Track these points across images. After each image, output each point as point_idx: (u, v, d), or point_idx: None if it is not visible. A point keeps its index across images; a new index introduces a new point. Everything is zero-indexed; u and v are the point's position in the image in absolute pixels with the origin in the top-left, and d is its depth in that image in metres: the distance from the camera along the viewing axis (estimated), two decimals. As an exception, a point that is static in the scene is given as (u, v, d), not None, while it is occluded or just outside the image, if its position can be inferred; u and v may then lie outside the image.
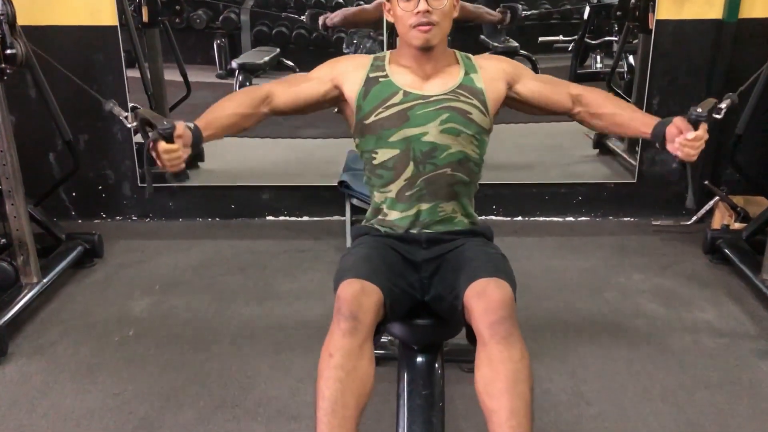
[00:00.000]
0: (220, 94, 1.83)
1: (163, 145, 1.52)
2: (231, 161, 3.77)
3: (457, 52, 1.82)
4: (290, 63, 3.62)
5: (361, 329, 1.51)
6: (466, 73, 1.77)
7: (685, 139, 1.62)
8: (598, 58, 3.73)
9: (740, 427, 2.02)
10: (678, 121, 1.65)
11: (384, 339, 2.10)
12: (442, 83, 1.76)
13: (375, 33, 3.48)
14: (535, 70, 3.50)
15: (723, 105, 1.75)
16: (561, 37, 3.68)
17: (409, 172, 1.75)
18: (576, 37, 3.64)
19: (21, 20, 2.50)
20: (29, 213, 2.74)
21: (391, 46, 3.30)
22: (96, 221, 3.53)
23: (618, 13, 3.58)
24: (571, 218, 3.57)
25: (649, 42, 3.27)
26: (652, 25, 3.24)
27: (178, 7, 3.50)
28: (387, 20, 1.81)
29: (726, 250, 2.95)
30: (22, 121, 3.22)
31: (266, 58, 3.63)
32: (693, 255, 3.12)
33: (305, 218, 3.58)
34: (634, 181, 3.49)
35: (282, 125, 3.85)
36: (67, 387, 2.21)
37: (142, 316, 2.64)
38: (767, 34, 3.17)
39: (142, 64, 3.33)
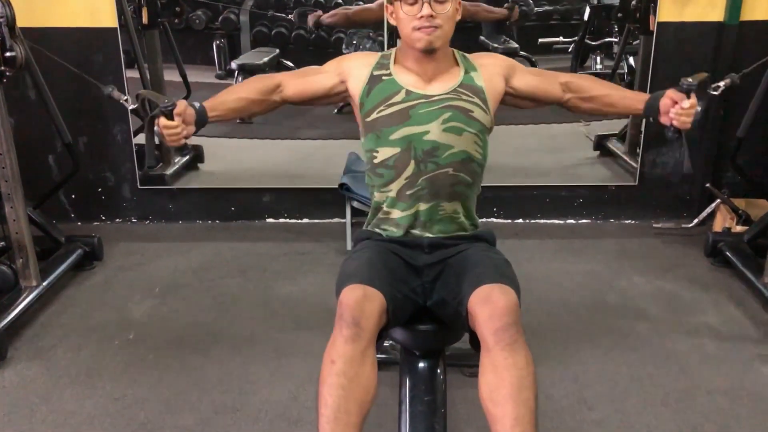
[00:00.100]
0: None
1: (163, 121, 1.62)
2: (231, 163, 3.76)
3: (455, 51, 1.83)
4: (290, 63, 3.61)
5: (363, 335, 1.50)
6: (466, 72, 1.78)
7: (681, 108, 1.68)
8: (598, 59, 3.73)
9: (743, 432, 2.01)
10: (671, 93, 1.72)
11: (385, 343, 2.09)
12: (443, 83, 1.76)
13: (375, 34, 3.47)
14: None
15: (722, 83, 1.82)
16: (561, 39, 3.68)
17: (410, 170, 1.74)
18: (576, 38, 3.64)
19: (20, 22, 2.49)
20: (28, 215, 2.73)
21: (392, 47, 3.29)
22: (95, 224, 3.52)
23: (619, 14, 3.57)
24: (572, 221, 3.56)
25: (650, 44, 3.26)
26: (653, 27, 3.24)
27: (177, 9, 3.50)
28: (389, 22, 1.82)
29: (728, 253, 2.94)
30: (21, 124, 3.21)
31: (265, 59, 3.63)
32: (694, 258, 3.11)
33: (305, 220, 3.57)
34: (635, 183, 3.49)
35: (282, 126, 3.84)
36: (67, 391, 2.20)
37: (142, 320, 2.63)
38: (769, 36, 3.18)
39: (141, 65, 3.33)
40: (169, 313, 2.68)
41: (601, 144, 3.72)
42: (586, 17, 3.63)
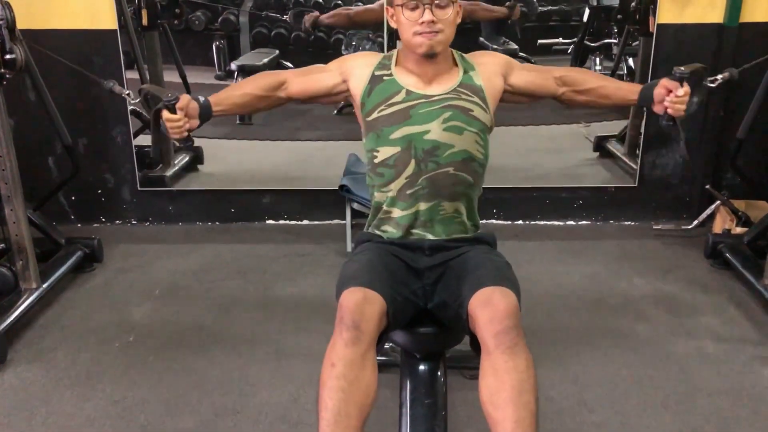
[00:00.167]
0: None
1: (166, 114, 1.66)
2: (231, 164, 3.76)
3: (453, 51, 1.84)
4: (289, 64, 3.61)
5: (363, 339, 1.50)
6: (465, 72, 1.79)
7: (675, 96, 1.73)
8: (598, 60, 3.73)
9: (743, 435, 2.01)
10: (665, 82, 1.77)
11: (386, 345, 2.09)
12: (443, 84, 1.77)
13: (374, 35, 3.47)
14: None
15: (719, 77, 1.89)
16: (560, 40, 3.68)
17: (410, 170, 1.74)
18: (575, 39, 3.64)
19: (20, 24, 2.49)
20: (28, 217, 2.72)
21: (391, 48, 3.28)
22: (95, 225, 3.52)
23: (618, 15, 3.57)
24: (572, 222, 3.56)
25: (649, 45, 3.26)
26: (653, 29, 3.24)
27: (177, 11, 3.49)
28: (389, 24, 1.83)
29: (727, 255, 2.94)
30: (21, 125, 3.21)
31: (265, 60, 3.62)
32: (694, 259, 3.11)
33: (305, 222, 3.57)
34: (635, 184, 3.49)
35: (282, 127, 3.84)
36: (67, 394, 2.20)
37: (142, 322, 2.63)
38: (768, 38, 3.18)
39: (141, 66, 3.33)
40: (169, 315, 2.68)
41: (600, 145, 3.73)
42: (585, 18, 3.63)
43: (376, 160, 1.79)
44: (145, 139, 3.43)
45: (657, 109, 1.79)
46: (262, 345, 2.47)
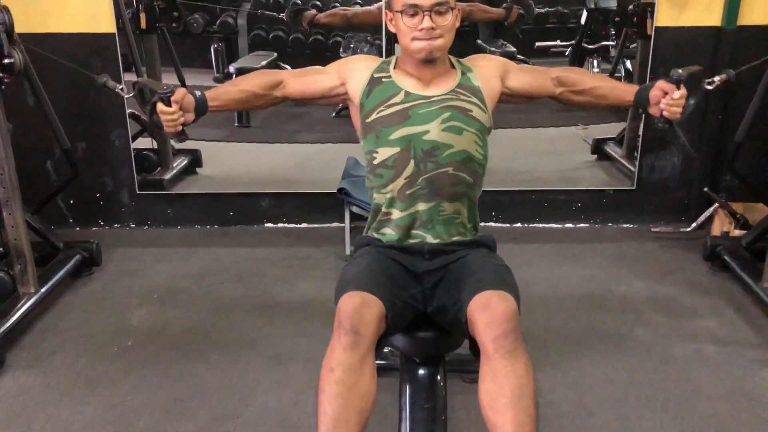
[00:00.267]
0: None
1: (161, 106, 1.68)
2: (229, 167, 3.76)
3: (450, 56, 1.85)
4: (287, 67, 3.61)
5: (362, 343, 1.50)
6: (463, 74, 1.81)
7: (672, 99, 1.74)
8: (595, 63, 3.73)
9: (743, 438, 2.01)
10: (661, 84, 1.77)
11: (385, 349, 2.09)
12: (442, 85, 1.79)
13: (372, 37, 3.47)
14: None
15: (717, 78, 1.88)
16: (558, 42, 3.68)
17: (409, 170, 1.75)
18: (573, 41, 3.64)
19: (19, 28, 2.49)
20: (27, 221, 2.72)
21: (389, 51, 3.29)
22: (94, 229, 3.51)
23: (616, 18, 3.57)
24: (570, 225, 3.56)
25: (647, 48, 3.26)
26: (651, 31, 3.24)
27: (175, 13, 3.49)
28: (388, 28, 1.84)
29: (726, 258, 2.94)
30: (19, 129, 3.19)
31: (263, 63, 3.62)
32: (693, 262, 3.11)
33: (304, 225, 3.57)
34: (634, 187, 3.49)
35: (280, 130, 3.84)
36: (65, 399, 2.20)
37: (140, 326, 2.63)
38: (766, 40, 3.17)
39: (139, 69, 3.32)
40: (167, 319, 2.68)
41: (598, 148, 3.72)
42: (583, 21, 3.63)
43: (375, 162, 1.79)
44: (143, 143, 3.43)
45: (652, 111, 1.80)
46: (261, 349, 2.46)
